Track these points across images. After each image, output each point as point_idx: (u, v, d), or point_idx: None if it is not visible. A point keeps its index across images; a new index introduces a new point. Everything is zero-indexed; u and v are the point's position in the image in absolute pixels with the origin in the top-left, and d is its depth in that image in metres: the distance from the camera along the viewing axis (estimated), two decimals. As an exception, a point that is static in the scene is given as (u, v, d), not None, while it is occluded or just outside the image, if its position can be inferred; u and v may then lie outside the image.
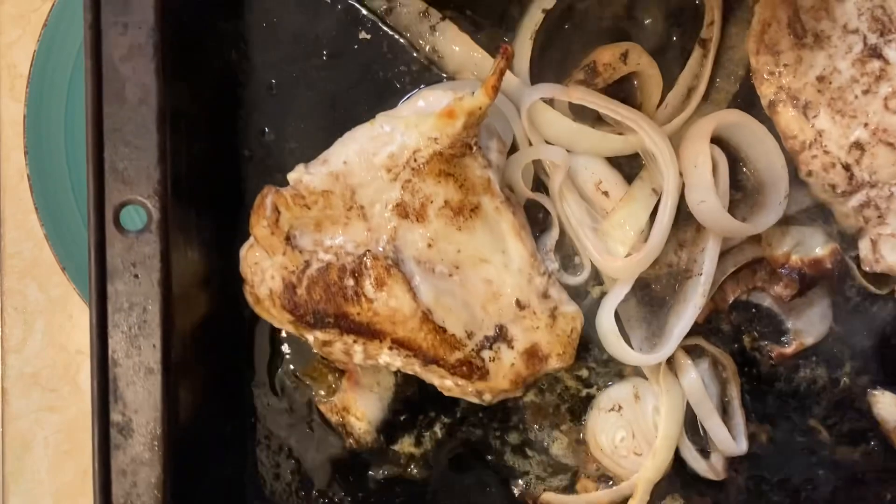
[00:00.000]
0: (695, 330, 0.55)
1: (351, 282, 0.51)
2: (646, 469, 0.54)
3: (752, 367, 0.57)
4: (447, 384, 0.53)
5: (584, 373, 0.57)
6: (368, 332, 0.51)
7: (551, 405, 0.57)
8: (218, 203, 0.57)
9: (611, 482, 0.57)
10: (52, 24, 0.68)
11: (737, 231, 0.54)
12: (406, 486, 0.58)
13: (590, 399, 0.57)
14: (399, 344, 0.52)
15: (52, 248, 0.68)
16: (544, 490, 0.56)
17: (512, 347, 0.53)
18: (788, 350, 0.56)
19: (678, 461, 0.57)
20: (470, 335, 0.52)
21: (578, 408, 0.58)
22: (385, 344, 0.52)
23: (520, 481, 0.57)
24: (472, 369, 0.52)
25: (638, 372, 0.57)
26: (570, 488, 0.58)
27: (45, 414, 0.73)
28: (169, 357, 0.49)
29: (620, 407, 0.56)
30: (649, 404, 0.55)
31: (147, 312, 0.48)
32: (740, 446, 0.55)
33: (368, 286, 0.51)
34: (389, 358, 0.52)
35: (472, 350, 0.52)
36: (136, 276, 0.48)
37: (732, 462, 0.57)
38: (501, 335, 0.53)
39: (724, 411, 0.56)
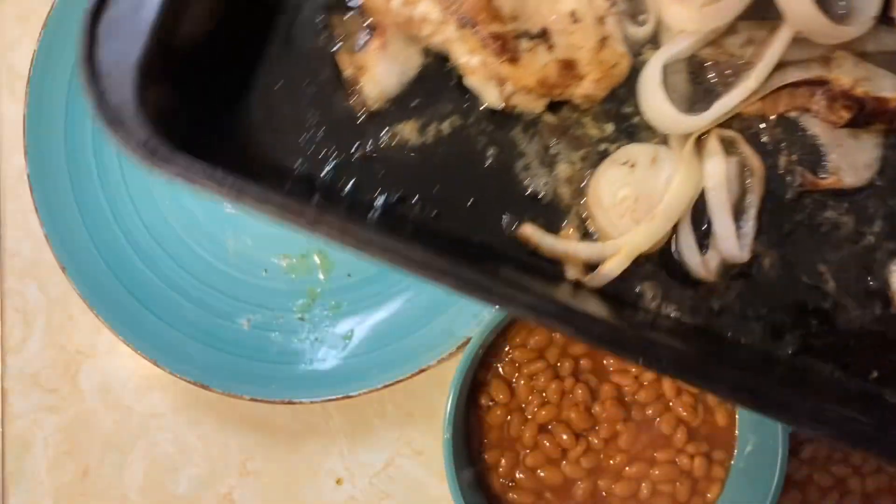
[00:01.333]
0: (735, 127, 0.51)
1: None
2: (636, 233, 0.50)
3: (779, 188, 0.52)
4: (473, 62, 0.50)
5: (609, 127, 0.52)
6: None
7: (568, 136, 0.52)
8: None
9: (596, 237, 0.52)
10: (52, 24, 0.68)
11: (818, 25, 0.49)
12: (389, 168, 0.53)
13: (606, 155, 0.52)
14: None
15: (52, 249, 0.68)
16: (528, 222, 0.51)
17: (550, 51, 0.50)
18: (823, 182, 0.52)
19: (668, 254, 0.51)
20: (513, 19, 0.50)
21: (593, 158, 0.52)
22: None
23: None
24: (504, 47, 0.49)
25: (663, 143, 0.52)
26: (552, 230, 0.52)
27: (45, 414, 0.73)
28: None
29: (634, 165, 0.51)
30: (664, 172, 0.50)
31: None
32: (744, 251, 0.50)
33: None
34: (428, 7, 0.49)
35: (511, 32, 0.49)
36: None
37: (726, 271, 0.52)
38: (544, 37, 0.50)
39: (737, 218, 0.51)
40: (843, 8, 0.51)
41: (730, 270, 0.52)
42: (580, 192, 0.52)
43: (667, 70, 0.51)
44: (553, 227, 0.52)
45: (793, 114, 0.52)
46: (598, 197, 0.51)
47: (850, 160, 0.52)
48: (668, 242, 0.51)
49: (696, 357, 0.47)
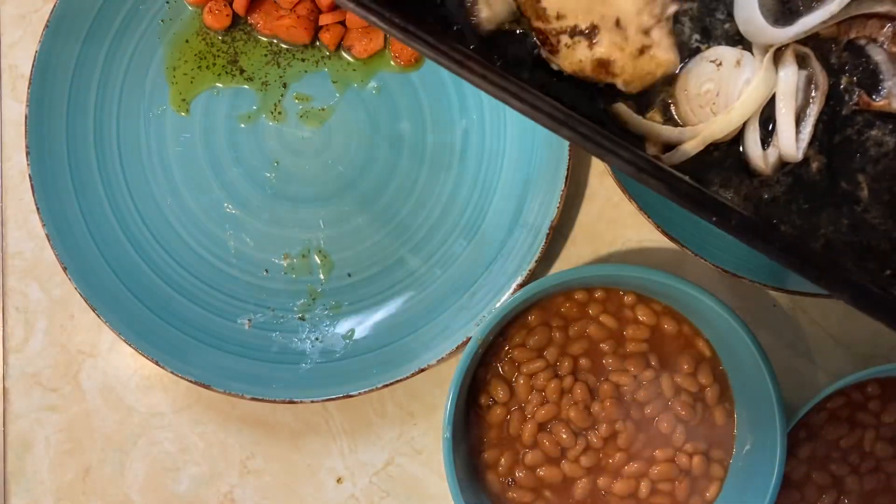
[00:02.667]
0: (809, 45, 0.57)
1: None
2: (713, 122, 0.57)
3: (837, 103, 0.59)
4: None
5: (699, 36, 0.59)
6: None
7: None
8: None
9: (677, 122, 0.59)
10: (54, 24, 0.68)
11: None
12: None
13: (698, 52, 0.59)
14: None
15: (54, 248, 0.68)
16: (619, 101, 0.58)
17: (590, 49, 0.55)
18: (875, 104, 0.58)
19: (734, 146, 0.58)
20: (560, 17, 0.54)
21: (684, 53, 0.59)
22: None
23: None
24: (545, 41, 0.55)
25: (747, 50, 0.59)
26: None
27: (47, 413, 0.74)
28: None
29: (721, 63, 0.57)
30: (744, 74, 0.57)
31: None
32: (798, 153, 0.57)
33: None
34: None
35: (553, 30, 0.54)
36: None
37: (780, 168, 0.58)
38: (591, 35, 0.55)
39: (797, 123, 0.58)
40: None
41: (783, 168, 0.58)
42: (669, 82, 0.58)
43: None
44: (641, 111, 0.59)
45: (861, 41, 0.59)
46: (686, 86, 0.58)
47: None
48: (737, 136, 0.58)
49: (757, 223, 0.55)
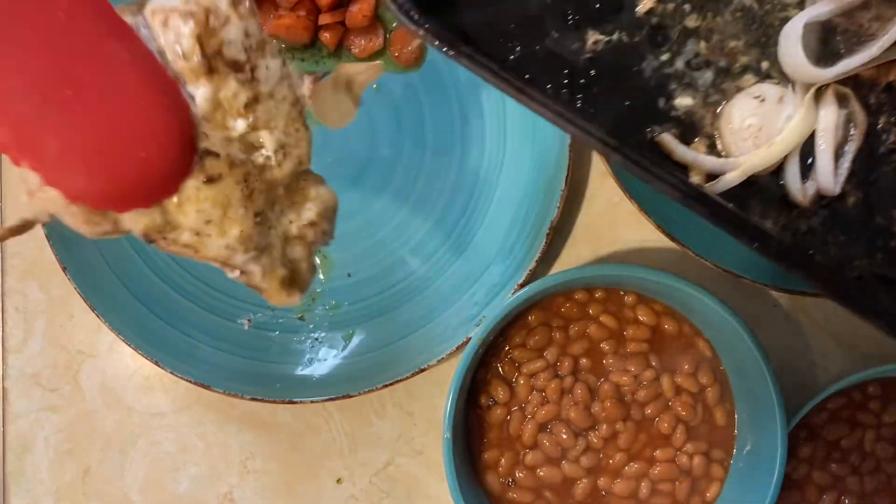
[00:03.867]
0: (850, 85, 0.59)
1: None
2: (755, 155, 0.59)
3: (875, 142, 0.61)
4: None
5: (754, 74, 0.61)
6: None
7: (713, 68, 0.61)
8: None
9: (721, 154, 0.61)
10: (54, 24, 0.68)
11: None
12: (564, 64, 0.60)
13: (742, 89, 0.61)
14: None
15: (53, 248, 0.68)
16: (667, 132, 0.60)
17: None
18: None
19: (775, 178, 0.60)
20: None
21: (730, 91, 0.61)
22: None
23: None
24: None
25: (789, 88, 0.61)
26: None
27: (46, 414, 0.74)
28: None
29: (764, 100, 0.60)
30: (786, 111, 0.60)
31: None
32: (836, 187, 0.59)
33: None
34: None
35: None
36: None
37: (818, 201, 0.60)
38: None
39: (836, 159, 0.60)
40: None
41: (821, 201, 0.60)
42: (715, 116, 0.61)
43: (805, 29, 0.59)
44: (686, 140, 0.60)
45: None
46: (730, 120, 0.60)
47: None
48: (777, 169, 0.60)
49: (796, 251, 0.59)
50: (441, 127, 0.71)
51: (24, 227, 0.48)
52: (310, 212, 0.51)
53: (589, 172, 0.73)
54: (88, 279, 0.68)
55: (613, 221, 0.73)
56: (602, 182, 0.73)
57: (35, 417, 0.74)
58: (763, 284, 0.67)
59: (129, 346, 0.68)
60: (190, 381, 0.68)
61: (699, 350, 0.66)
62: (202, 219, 0.45)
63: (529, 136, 0.70)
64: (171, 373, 0.68)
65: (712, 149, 0.62)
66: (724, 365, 0.66)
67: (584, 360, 0.66)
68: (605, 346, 0.66)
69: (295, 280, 0.50)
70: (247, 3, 0.46)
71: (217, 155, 0.45)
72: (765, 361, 0.62)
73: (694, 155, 0.60)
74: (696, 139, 0.61)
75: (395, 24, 0.71)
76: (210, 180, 0.45)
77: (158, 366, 0.68)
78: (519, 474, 0.65)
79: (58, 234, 0.68)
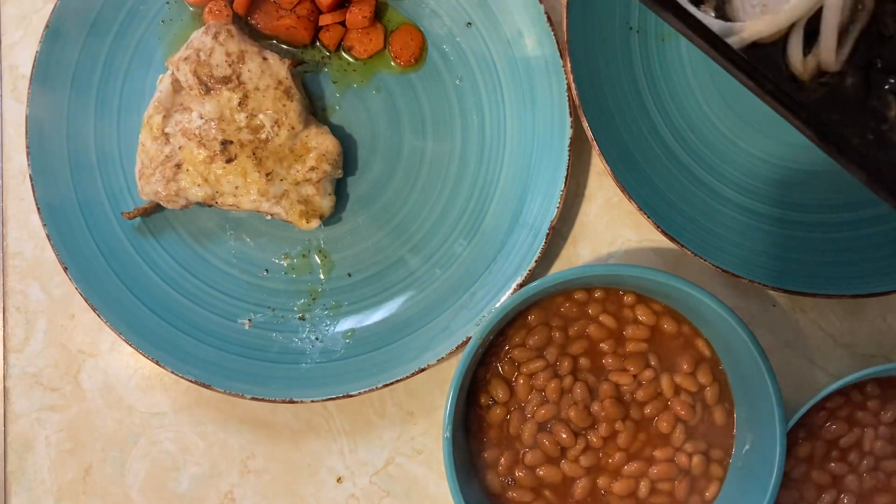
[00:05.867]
0: None
1: None
2: (762, 20, 0.60)
3: (879, 25, 0.60)
4: None
5: None
6: None
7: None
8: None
9: (727, 17, 0.62)
10: (54, 25, 0.68)
11: None
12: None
13: None
14: None
15: (54, 248, 0.68)
16: None
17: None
18: None
19: (777, 48, 0.61)
20: None
21: None
22: None
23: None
24: None
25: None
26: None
27: (47, 413, 0.74)
28: None
29: None
30: None
31: None
32: (836, 63, 0.60)
33: None
34: None
35: None
36: None
37: (817, 76, 0.61)
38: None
39: (840, 37, 0.60)
40: None
41: (819, 77, 0.61)
42: None
43: None
44: (695, 2, 0.61)
45: None
46: None
47: None
48: (782, 39, 0.61)
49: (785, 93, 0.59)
50: (440, 127, 0.71)
51: (149, 209, 0.70)
52: (311, 160, 0.67)
53: (588, 172, 0.73)
54: (89, 279, 0.69)
55: (613, 221, 0.73)
56: (601, 182, 0.73)
57: (36, 417, 0.74)
58: (762, 284, 0.67)
59: (130, 345, 0.68)
60: (190, 381, 0.68)
61: (698, 350, 0.66)
62: (233, 185, 0.67)
63: (528, 135, 0.70)
64: (172, 372, 0.68)
65: (720, 12, 0.62)
66: (723, 364, 0.66)
67: (583, 360, 0.66)
68: (604, 345, 0.66)
69: (311, 212, 0.68)
70: (223, 33, 0.66)
71: (231, 142, 0.66)
72: (764, 361, 0.62)
73: (701, 15, 0.61)
74: (706, 2, 0.62)
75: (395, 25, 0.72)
76: (230, 160, 0.66)
77: (159, 365, 0.68)
78: (518, 473, 0.65)
79: (59, 235, 0.68)
